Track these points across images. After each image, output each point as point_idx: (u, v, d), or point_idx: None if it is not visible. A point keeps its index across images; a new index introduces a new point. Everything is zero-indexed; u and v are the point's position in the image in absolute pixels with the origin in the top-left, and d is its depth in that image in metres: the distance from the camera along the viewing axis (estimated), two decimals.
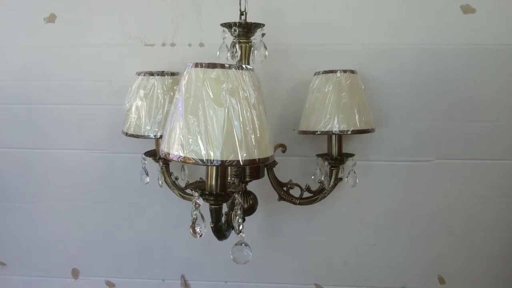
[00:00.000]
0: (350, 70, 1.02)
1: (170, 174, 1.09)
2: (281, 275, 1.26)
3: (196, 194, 0.69)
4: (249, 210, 0.98)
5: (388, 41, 1.13)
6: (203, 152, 0.62)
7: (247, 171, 0.96)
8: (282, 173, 1.11)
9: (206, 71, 0.65)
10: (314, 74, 1.04)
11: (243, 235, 0.98)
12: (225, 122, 0.63)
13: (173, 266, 1.29)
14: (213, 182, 0.72)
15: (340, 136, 1.06)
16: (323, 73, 1.02)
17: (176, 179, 1.10)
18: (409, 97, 1.15)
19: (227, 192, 0.73)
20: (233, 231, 0.96)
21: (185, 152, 0.63)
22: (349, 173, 1.08)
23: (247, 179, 0.97)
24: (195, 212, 0.70)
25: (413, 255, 1.22)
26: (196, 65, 0.66)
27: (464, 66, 1.12)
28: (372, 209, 1.20)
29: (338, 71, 1.01)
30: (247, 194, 0.99)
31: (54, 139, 1.24)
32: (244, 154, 0.64)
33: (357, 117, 0.99)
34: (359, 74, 1.08)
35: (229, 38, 0.96)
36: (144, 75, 1.03)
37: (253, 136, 0.65)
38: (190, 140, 0.63)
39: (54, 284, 1.33)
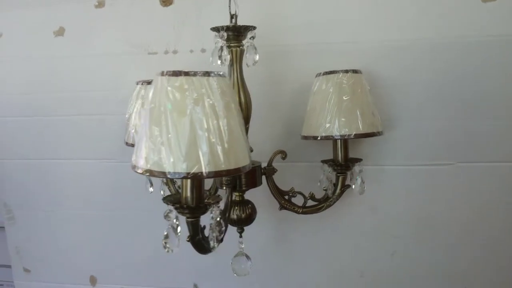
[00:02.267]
0: (353, 70, 0.95)
1: (174, 182, 1.07)
2: (293, 287, 1.21)
3: (169, 207, 0.66)
4: (247, 220, 0.94)
5: (398, 37, 1.05)
6: (166, 164, 0.60)
7: (243, 179, 0.92)
8: (287, 181, 1.07)
9: (170, 79, 0.62)
10: (316, 76, 0.99)
11: (244, 246, 0.96)
12: (188, 132, 0.60)
13: (186, 275, 1.28)
14: (188, 194, 0.69)
15: (346, 140, 1.00)
16: (323, 74, 0.97)
17: (179, 187, 1.08)
18: (424, 96, 1.06)
19: (204, 204, 0.69)
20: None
21: (148, 164, 0.61)
22: (356, 180, 1.01)
23: (244, 188, 0.93)
24: (168, 227, 0.67)
25: (435, 266, 1.12)
26: (162, 73, 0.63)
27: (485, 59, 1.01)
28: (388, 216, 1.12)
29: (340, 72, 0.95)
30: (244, 204, 0.95)
31: (67, 149, 1.28)
32: (209, 166, 0.60)
33: (360, 120, 0.93)
34: (366, 73, 1.01)
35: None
36: (142, 84, 1.02)
37: (219, 147, 0.61)
38: (154, 152, 0.61)
39: None
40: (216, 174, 0.61)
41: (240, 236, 0.97)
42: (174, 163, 0.60)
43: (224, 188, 0.88)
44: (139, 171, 0.62)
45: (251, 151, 0.94)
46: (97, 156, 1.27)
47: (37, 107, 1.28)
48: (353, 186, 1.01)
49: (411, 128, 1.07)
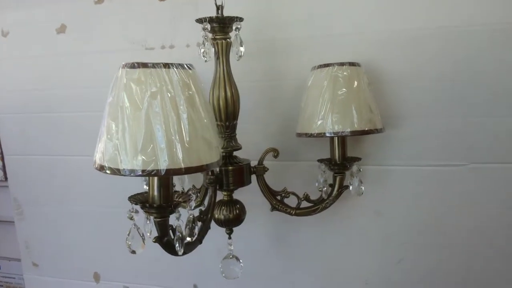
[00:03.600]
0: (350, 63, 0.89)
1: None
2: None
3: (133, 207, 0.63)
4: (235, 221, 0.90)
5: (405, 26, 0.96)
6: (120, 161, 0.57)
7: (230, 178, 0.88)
8: (284, 181, 1.02)
9: (129, 71, 0.59)
10: (311, 69, 0.93)
11: (237, 248, 0.92)
12: (144, 127, 0.57)
13: (186, 275, 1.26)
14: (155, 193, 0.65)
15: (343, 138, 0.93)
16: (318, 67, 0.91)
17: (173, 186, 1.05)
18: (435, 91, 0.97)
19: (172, 203, 0.66)
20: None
21: (104, 161, 0.58)
22: (354, 180, 0.94)
23: (231, 187, 0.89)
24: (132, 227, 0.64)
25: (446, 275, 1.03)
26: (123, 66, 0.60)
27: (503, 50, 0.92)
28: (394, 221, 1.04)
29: (335, 64, 0.88)
30: (232, 204, 0.91)
31: (74, 146, 1.28)
32: (166, 163, 0.56)
33: (355, 116, 0.86)
34: (371, 67, 0.95)
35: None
36: None
37: (178, 142, 0.57)
38: (110, 148, 0.58)
39: (78, 287, 1.37)
40: (174, 172, 0.57)
41: (229, 238, 0.93)
42: (129, 160, 0.56)
43: (208, 187, 0.84)
44: (95, 166, 0.59)
45: (239, 148, 0.90)
46: None
47: (44, 104, 1.29)
48: (351, 187, 0.94)
49: (419, 126, 0.99)
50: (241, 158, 0.92)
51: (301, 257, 1.13)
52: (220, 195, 0.91)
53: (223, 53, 0.86)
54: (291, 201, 0.96)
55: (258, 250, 1.15)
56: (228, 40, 0.86)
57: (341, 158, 0.93)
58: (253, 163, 0.94)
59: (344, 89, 0.87)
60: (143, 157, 0.56)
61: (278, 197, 0.95)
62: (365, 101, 0.88)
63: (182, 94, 0.59)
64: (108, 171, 0.57)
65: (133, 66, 0.58)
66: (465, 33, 0.93)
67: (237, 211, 0.90)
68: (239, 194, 0.94)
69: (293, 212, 0.94)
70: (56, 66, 1.24)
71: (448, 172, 0.99)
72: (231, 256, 0.92)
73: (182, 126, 0.58)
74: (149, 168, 0.56)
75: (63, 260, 1.37)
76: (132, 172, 0.56)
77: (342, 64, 0.88)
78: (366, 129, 0.87)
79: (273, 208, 0.94)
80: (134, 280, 1.32)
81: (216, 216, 0.88)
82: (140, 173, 0.56)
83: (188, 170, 0.58)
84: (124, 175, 0.56)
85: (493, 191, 0.96)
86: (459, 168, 0.98)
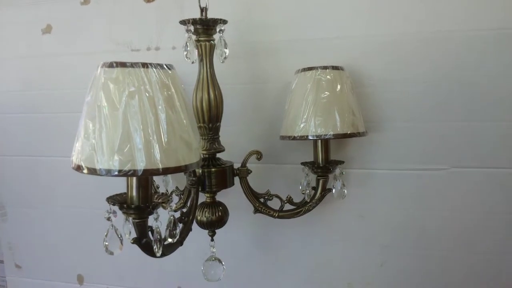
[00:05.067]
0: (333, 66, 0.89)
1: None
2: None
3: (111, 208, 0.63)
4: (218, 222, 0.90)
5: (388, 31, 0.97)
6: (97, 161, 0.56)
7: (212, 180, 0.87)
8: (267, 183, 1.02)
9: (107, 71, 0.59)
10: (295, 73, 0.94)
11: (219, 251, 0.91)
12: (121, 127, 0.56)
13: (170, 278, 1.25)
14: (134, 193, 0.65)
15: (327, 141, 0.94)
16: (302, 70, 0.91)
17: (157, 187, 1.05)
18: (417, 95, 0.98)
19: (151, 204, 0.66)
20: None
21: (81, 160, 0.58)
22: (336, 182, 0.95)
23: (214, 189, 0.89)
24: (110, 228, 0.63)
25: (427, 278, 1.03)
26: (101, 65, 0.60)
27: (484, 55, 0.93)
28: (376, 224, 1.05)
29: (318, 68, 0.89)
30: (215, 205, 0.90)
31: (58, 146, 1.27)
32: (143, 163, 0.56)
33: (338, 119, 0.87)
34: (354, 71, 0.96)
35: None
36: None
37: (156, 143, 0.57)
38: (87, 147, 0.58)
39: None
40: (152, 172, 0.57)
41: (212, 240, 0.93)
42: (106, 160, 0.56)
43: (191, 188, 0.84)
44: (72, 166, 0.59)
45: (222, 150, 0.90)
46: None
47: (29, 105, 1.28)
48: (333, 190, 0.94)
49: (401, 130, 1.00)
50: (224, 160, 0.92)
51: (284, 259, 1.13)
52: (203, 197, 0.91)
53: (206, 55, 0.86)
54: (274, 204, 0.96)
55: (240, 252, 1.15)
56: (212, 42, 0.86)
57: (324, 161, 0.94)
58: (237, 165, 0.94)
59: (327, 93, 0.87)
60: (120, 157, 0.56)
61: (261, 200, 0.95)
62: (348, 105, 0.89)
63: (161, 94, 0.59)
64: (85, 171, 0.57)
65: (111, 65, 0.58)
66: (447, 37, 0.94)
67: (220, 213, 0.90)
68: (222, 196, 0.94)
69: (276, 215, 0.94)
70: (41, 67, 1.23)
71: (429, 176, 1.00)
72: (213, 258, 0.92)
73: (160, 127, 0.58)
74: (126, 168, 0.56)
75: (46, 262, 1.36)
76: (108, 172, 0.56)
77: (325, 67, 0.89)
78: (349, 132, 0.87)
79: (256, 210, 0.94)
80: (118, 282, 1.31)
81: (199, 218, 0.88)
82: (117, 173, 0.56)
83: (166, 171, 0.58)
84: (101, 175, 0.56)
85: (474, 195, 0.98)
86: (440, 172, 0.99)
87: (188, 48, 0.80)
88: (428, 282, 1.03)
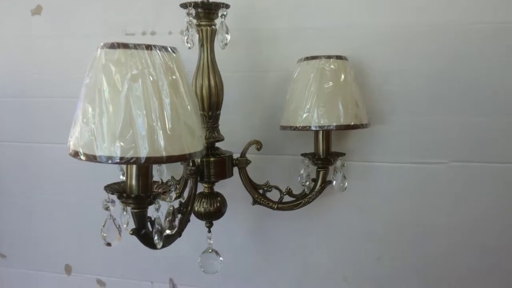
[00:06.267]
0: (337, 56, 0.87)
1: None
2: (275, 285, 1.13)
3: (109, 197, 0.60)
4: (215, 213, 0.88)
5: (394, 22, 0.95)
6: (97, 147, 0.53)
7: (211, 170, 0.85)
8: (267, 174, 1.00)
9: (108, 52, 0.55)
10: (297, 61, 0.91)
11: (216, 242, 0.89)
12: (123, 111, 0.53)
13: (162, 269, 1.22)
14: (133, 182, 0.62)
15: (328, 132, 0.92)
16: (305, 59, 0.89)
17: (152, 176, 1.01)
18: (419, 88, 0.96)
19: (151, 193, 0.63)
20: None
21: (79, 146, 0.54)
22: (337, 174, 0.93)
23: (212, 179, 0.86)
24: (108, 217, 0.60)
25: (424, 274, 1.03)
26: (102, 46, 0.57)
27: (491, 49, 0.92)
28: (377, 218, 1.03)
29: (322, 57, 0.87)
30: (213, 196, 0.88)
31: (48, 133, 1.22)
32: (146, 150, 0.53)
33: (341, 110, 0.85)
34: (357, 61, 0.94)
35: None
36: None
37: (160, 129, 0.54)
38: (86, 132, 0.54)
39: (49, 278, 1.31)
40: (155, 160, 0.54)
41: (209, 231, 0.90)
42: (106, 146, 0.53)
43: (189, 178, 0.81)
44: (69, 152, 0.56)
45: (221, 139, 0.87)
46: None
47: (18, 89, 1.23)
48: (334, 183, 0.93)
49: (402, 122, 0.98)
50: (223, 150, 0.90)
51: (281, 251, 1.11)
52: (201, 187, 0.88)
53: (207, 40, 0.83)
54: (273, 195, 0.94)
55: (237, 244, 1.12)
56: (213, 27, 0.83)
57: (325, 153, 0.92)
58: (236, 155, 0.91)
59: (330, 83, 0.85)
60: (122, 144, 0.53)
61: (260, 191, 0.93)
62: (352, 96, 0.87)
63: (165, 78, 0.56)
64: (83, 157, 0.54)
65: (112, 46, 0.55)
66: (455, 30, 0.93)
67: (218, 204, 0.88)
68: (220, 187, 0.92)
69: (275, 207, 0.92)
70: (31, 49, 1.18)
71: (429, 169, 0.99)
72: (210, 250, 0.90)
73: (165, 112, 0.55)
74: (128, 155, 0.53)
75: (33, 252, 1.31)
76: (109, 159, 0.53)
77: (329, 57, 0.87)
78: (352, 123, 0.85)
79: (255, 201, 0.92)
80: (107, 273, 1.27)
81: (196, 208, 0.86)
82: (118, 160, 0.53)
83: (170, 159, 0.55)
84: (101, 162, 0.53)
85: (474, 189, 0.97)
86: (440, 165, 0.98)
87: (190, 33, 0.77)
88: (425, 277, 1.03)
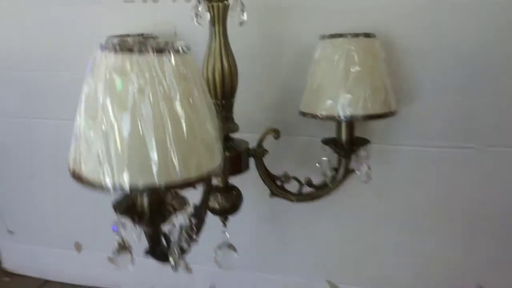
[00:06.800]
0: (365, 34, 0.77)
1: None
2: (288, 269, 1.10)
3: (119, 219, 0.53)
4: (231, 209, 0.82)
5: None
6: (102, 173, 0.46)
7: (226, 165, 0.77)
8: (281, 159, 0.93)
9: (109, 56, 0.46)
10: (319, 38, 0.81)
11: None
12: (130, 131, 0.45)
13: None
14: (145, 202, 0.55)
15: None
16: (329, 37, 0.79)
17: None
18: (448, 65, 0.87)
19: (165, 210, 0.56)
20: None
21: (81, 170, 0.47)
22: (361, 165, 0.86)
23: (228, 174, 0.79)
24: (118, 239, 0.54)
25: (446, 262, 0.98)
26: (102, 47, 0.47)
27: None
28: (396, 203, 0.98)
29: (348, 35, 0.76)
30: (228, 190, 0.81)
31: (50, 108, 1.15)
32: (161, 176, 0.46)
33: (370, 97, 0.76)
34: (381, 37, 0.82)
35: None
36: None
37: (174, 150, 0.46)
38: (88, 155, 0.47)
39: (59, 255, 1.29)
40: (170, 186, 0.47)
41: (224, 225, 0.85)
42: (115, 174, 0.45)
43: None
44: (71, 174, 0.48)
45: (236, 130, 0.79)
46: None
47: (11, 61, 1.13)
48: (358, 173, 0.86)
49: (430, 103, 0.90)
50: (237, 140, 0.82)
51: (291, 238, 1.06)
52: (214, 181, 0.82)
53: (219, 19, 0.72)
54: (291, 186, 0.87)
55: (252, 235, 1.07)
56: (225, 2, 0.72)
57: (348, 140, 0.84)
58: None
59: (357, 66, 0.76)
60: (131, 171, 0.45)
61: (278, 182, 0.86)
62: (381, 80, 0.78)
63: (178, 87, 0.47)
64: (87, 185, 0.46)
65: (114, 49, 0.45)
66: (493, 7, 0.81)
67: (233, 199, 0.81)
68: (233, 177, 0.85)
69: (295, 199, 0.86)
70: (17, 19, 1.06)
71: (459, 154, 0.92)
72: (226, 245, 0.85)
73: (180, 129, 0.47)
74: (140, 184, 0.45)
75: (41, 228, 1.28)
76: (118, 189, 0.45)
77: (356, 35, 0.77)
78: (381, 112, 0.77)
79: (273, 194, 0.86)
80: None
81: (210, 204, 0.79)
82: (128, 190, 0.45)
83: (188, 184, 0.48)
84: (109, 192, 0.46)
85: (503, 177, 0.90)
86: (470, 150, 0.91)
87: (200, 10, 0.66)
88: (446, 266, 0.99)
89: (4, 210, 1.30)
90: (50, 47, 1.08)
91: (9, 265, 1.35)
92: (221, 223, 0.84)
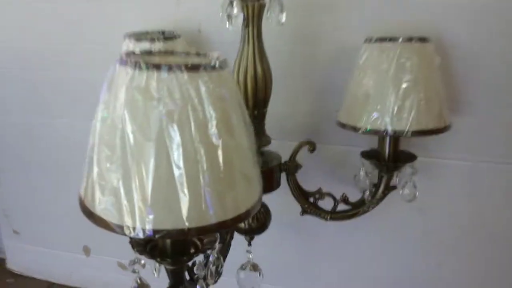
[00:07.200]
0: (420, 38, 0.67)
1: None
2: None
3: (137, 257, 0.45)
4: (259, 229, 0.74)
5: None
6: (121, 215, 0.38)
7: None
8: (315, 173, 0.84)
9: (131, 75, 0.37)
10: (364, 41, 0.71)
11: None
12: (155, 166, 0.37)
13: None
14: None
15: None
16: (376, 41, 0.69)
17: None
18: (505, 74, 0.77)
19: (190, 247, 0.48)
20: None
21: (95, 208, 0.39)
22: (405, 183, 0.77)
23: None
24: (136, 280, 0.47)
25: (490, 282, 0.90)
26: (121, 61, 0.39)
27: None
28: (440, 220, 0.89)
29: (399, 39, 0.66)
30: None
31: (57, 108, 1.09)
32: (190, 219, 0.38)
33: (423, 111, 0.66)
34: (435, 40, 0.72)
35: None
36: (130, 38, 0.78)
37: (209, 187, 0.38)
38: (105, 192, 0.38)
39: (66, 258, 1.23)
40: (199, 232, 0.39)
41: (249, 244, 0.77)
42: (132, 213, 0.37)
43: None
44: (82, 210, 0.41)
45: (268, 143, 0.70)
46: (89, 117, 1.05)
47: (19, 59, 1.06)
48: (401, 192, 0.77)
49: (484, 115, 0.81)
50: (267, 153, 0.73)
51: (326, 252, 0.98)
52: None
53: (253, 20, 0.63)
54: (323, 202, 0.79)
55: (268, 256, 0.99)
56: (261, 1, 0.63)
57: (392, 155, 0.75)
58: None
59: (409, 75, 0.66)
60: (156, 212, 0.37)
61: (311, 199, 0.77)
62: (435, 90, 0.68)
63: (214, 112, 0.38)
64: (101, 225, 0.39)
65: (139, 66, 0.37)
66: None
67: (262, 217, 0.73)
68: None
69: (328, 217, 0.78)
70: (33, 17, 1.00)
71: (506, 171, 0.82)
72: (249, 266, 0.77)
73: (215, 163, 0.38)
74: (166, 228, 0.37)
75: (48, 230, 1.23)
76: (140, 234, 0.37)
77: (410, 39, 0.67)
78: (434, 128, 0.68)
79: (304, 212, 0.77)
80: (126, 256, 1.17)
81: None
82: (152, 234, 0.37)
83: (222, 226, 0.39)
84: (129, 237, 0.38)
85: None
86: None
87: (234, 12, 0.57)
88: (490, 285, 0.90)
89: (10, 210, 1.25)
90: (64, 45, 1.00)
91: (13, 266, 1.30)
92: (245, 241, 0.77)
